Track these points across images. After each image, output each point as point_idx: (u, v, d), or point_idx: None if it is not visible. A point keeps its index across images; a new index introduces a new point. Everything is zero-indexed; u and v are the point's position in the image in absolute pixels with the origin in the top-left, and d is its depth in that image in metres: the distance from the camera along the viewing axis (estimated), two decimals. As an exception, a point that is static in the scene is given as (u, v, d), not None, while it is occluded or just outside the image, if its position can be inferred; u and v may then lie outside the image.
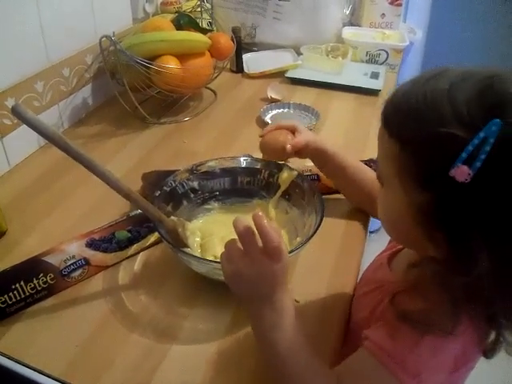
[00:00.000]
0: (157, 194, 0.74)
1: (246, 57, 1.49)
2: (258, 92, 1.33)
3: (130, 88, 1.10)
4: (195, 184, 0.81)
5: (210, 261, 0.66)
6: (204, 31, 1.22)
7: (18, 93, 0.96)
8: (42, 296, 0.68)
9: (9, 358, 0.61)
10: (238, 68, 1.46)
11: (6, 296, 0.64)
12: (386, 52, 1.48)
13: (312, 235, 0.67)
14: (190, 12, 1.29)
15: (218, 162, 0.82)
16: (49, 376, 0.59)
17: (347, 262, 0.77)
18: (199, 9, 1.34)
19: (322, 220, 0.69)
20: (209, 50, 1.19)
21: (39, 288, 0.67)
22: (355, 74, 1.40)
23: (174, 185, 0.78)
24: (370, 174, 0.79)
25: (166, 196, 0.76)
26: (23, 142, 1.00)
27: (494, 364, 0.55)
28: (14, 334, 0.64)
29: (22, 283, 0.65)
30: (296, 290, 0.69)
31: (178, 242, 0.70)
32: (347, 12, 1.61)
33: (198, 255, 0.71)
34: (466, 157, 0.42)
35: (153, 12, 1.40)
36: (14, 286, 0.65)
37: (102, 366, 0.60)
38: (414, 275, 0.52)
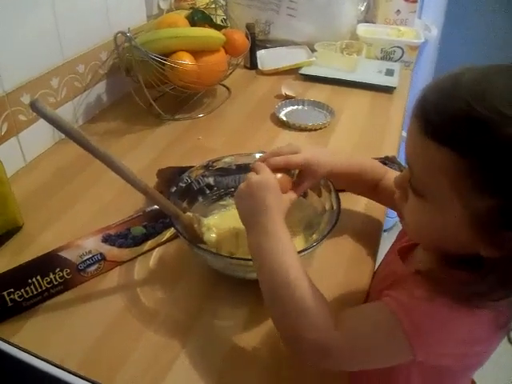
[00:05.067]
0: (172, 190, 0.74)
1: (260, 53, 1.49)
2: (272, 89, 1.33)
3: (144, 84, 1.10)
4: (211, 180, 0.81)
5: (226, 256, 0.66)
6: (218, 27, 1.22)
7: (34, 89, 0.96)
8: (58, 290, 0.68)
9: (25, 351, 0.61)
10: (252, 65, 1.46)
11: (22, 290, 0.64)
12: (401, 49, 1.47)
13: (328, 232, 0.66)
14: (205, 8, 1.29)
15: (234, 158, 0.82)
16: (65, 370, 0.59)
17: (362, 259, 0.76)
18: (213, 5, 1.33)
19: (338, 217, 0.68)
20: (223, 47, 1.19)
21: (56, 282, 0.67)
22: (370, 71, 1.39)
23: (189, 181, 0.78)
24: (370, 168, 0.76)
25: (182, 192, 0.76)
26: (39, 137, 1.00)
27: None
28: (31, 328, 0.64)
29: (38, 277, 0.66)
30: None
31: (193, 238, 0.70)
32: (362, 8, 1.60)
33: (214, 251, 0.71)
34: None
35: (167, 8, 1.40)
36: (30, 281, 0.65)
37: (117, 360, 0.60)
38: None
